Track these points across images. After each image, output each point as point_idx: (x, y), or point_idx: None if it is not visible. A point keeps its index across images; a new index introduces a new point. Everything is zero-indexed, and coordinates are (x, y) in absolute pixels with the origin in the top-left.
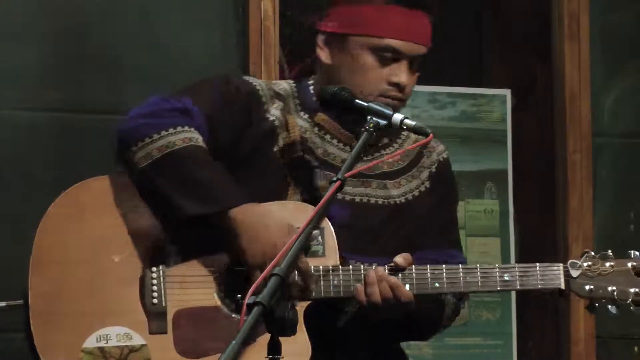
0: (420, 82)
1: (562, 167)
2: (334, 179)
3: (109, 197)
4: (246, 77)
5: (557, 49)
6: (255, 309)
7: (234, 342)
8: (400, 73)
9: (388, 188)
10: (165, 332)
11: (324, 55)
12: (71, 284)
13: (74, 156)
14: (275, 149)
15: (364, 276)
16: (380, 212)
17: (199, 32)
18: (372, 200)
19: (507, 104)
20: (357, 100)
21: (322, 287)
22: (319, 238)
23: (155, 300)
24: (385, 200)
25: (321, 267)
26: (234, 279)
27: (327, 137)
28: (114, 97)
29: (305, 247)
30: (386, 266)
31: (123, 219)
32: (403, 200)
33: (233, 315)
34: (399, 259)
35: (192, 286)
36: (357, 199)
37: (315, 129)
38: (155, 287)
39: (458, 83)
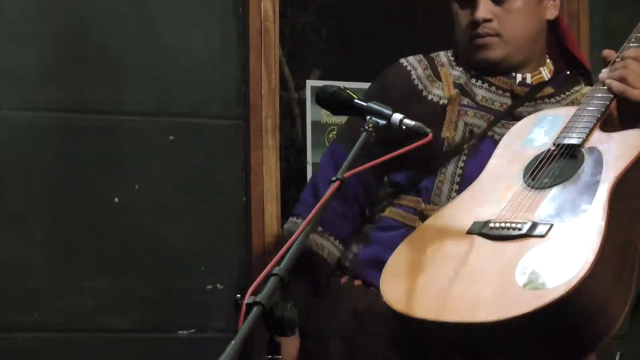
0: None
1: None
2: (333, 178)
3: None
4: (402, 61)
5: None
6: (255, 309)
7: (233, 342)
8: (474, 9)
9: None
10: (551, 225)
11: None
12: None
13: (74, 156)
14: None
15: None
16: None
17: (199, 32)
18: None
19: None
20: (356, 101)
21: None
22: None
23: (514, 225)
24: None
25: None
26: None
27: (486, 85)
28: (114, 97)
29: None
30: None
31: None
32: None
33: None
34: (604, 52)
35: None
36: None
37: (473, 80)
38: (503, 225)
39: None
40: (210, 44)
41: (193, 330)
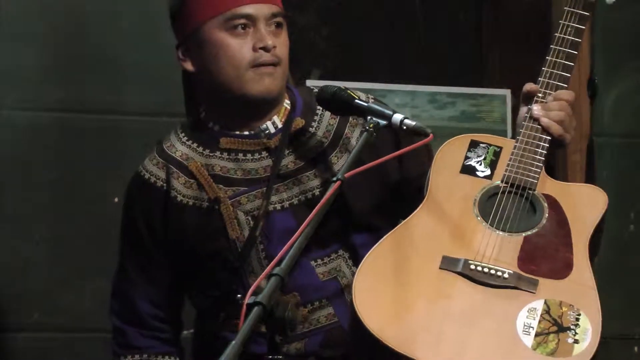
0: (420, 82)
1: (562, 167)
2: (334, 178)
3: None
4: (143, 173)
5: None
6: (255, 309)
7: (233, 342)
8: (262, 37)
9: (320, 173)
10: (537, 281)
11: (189, 65)
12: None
13: (74, 156)
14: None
15: (530, 115)
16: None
17: None
18: (309, 194)
19: (507, 104)
20: (357, 101)
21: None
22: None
23: (499, 274)
24: (322, 187)
25: None
26: (486, 203)
27: (240, 155)
28: (114, 97)
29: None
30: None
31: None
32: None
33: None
34: (528, 86)
35: (478, 240)
36: (295, 200)
37: (225, 155)
38: (486, 269)
39: (458, 83)
40: None
41: (193, 330)
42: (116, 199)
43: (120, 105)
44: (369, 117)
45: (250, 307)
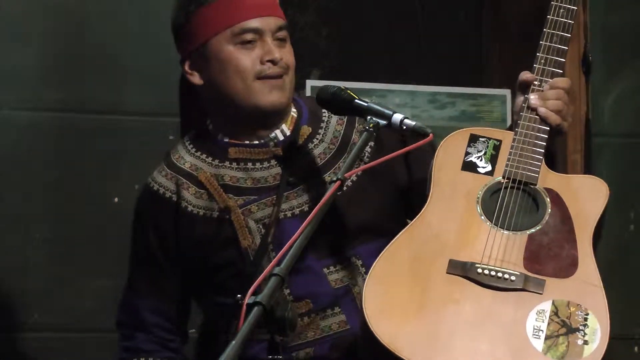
0: (420, 82)
1: (561, 167)
2: (334, 178)
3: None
4: (152, 183)
5: None
6: (255, 309)
7: (233, 342)
8: (270, 50)
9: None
10: (543, 281)
11: (196, 79)
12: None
13: (74, 156)
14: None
15: (528, 104)
16: (334, 204)
17: None
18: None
19: (507, 104)
20: (356, 101)
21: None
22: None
23: (506, 276)
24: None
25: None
26: (489, 200)
27: (249, 165)
28: (114, 97)
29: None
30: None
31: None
32: (355, 178)
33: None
34: (524, 75)
35: (481, 242)
36: (306, 207)
37: (234, 164)
38: (492, 273)
39: (458, 83)
40: None
41: (193, 330)
42: (116, 199)
43: (120, 105)
44: (369, 117)
45: (250, 307)
